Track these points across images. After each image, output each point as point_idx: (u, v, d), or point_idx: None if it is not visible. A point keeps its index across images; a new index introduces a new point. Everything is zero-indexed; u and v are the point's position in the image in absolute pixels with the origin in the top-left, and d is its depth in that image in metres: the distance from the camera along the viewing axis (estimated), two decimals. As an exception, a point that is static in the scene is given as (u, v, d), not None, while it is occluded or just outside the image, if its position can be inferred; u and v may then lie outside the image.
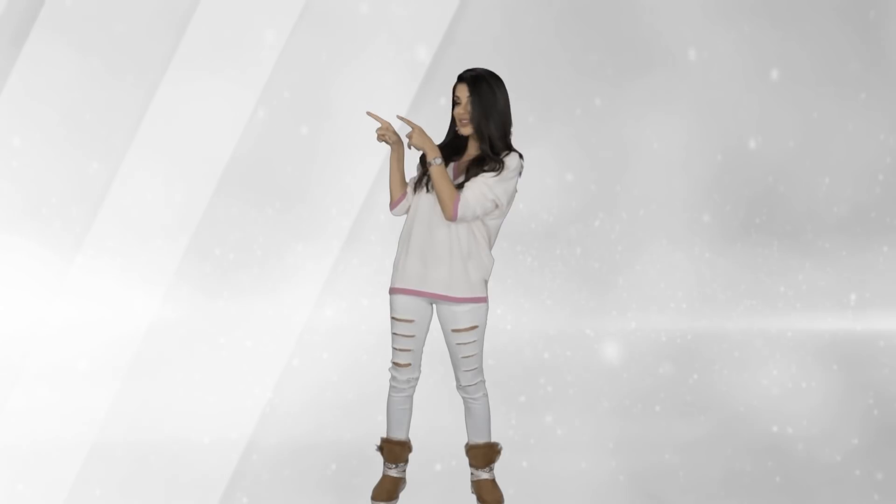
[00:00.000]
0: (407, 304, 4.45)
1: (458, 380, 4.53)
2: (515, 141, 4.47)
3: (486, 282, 4.47)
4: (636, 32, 7.85)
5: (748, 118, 8.05)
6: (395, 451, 4.61)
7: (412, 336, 4.47)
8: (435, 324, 4.54)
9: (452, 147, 4.46)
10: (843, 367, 7.13)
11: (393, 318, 4.48)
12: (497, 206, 4.36)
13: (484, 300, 4.45)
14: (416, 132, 4.34)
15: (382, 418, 4.64)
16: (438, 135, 4.52)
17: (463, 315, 4.41)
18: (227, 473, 5.01)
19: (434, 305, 4.48)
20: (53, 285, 7.28)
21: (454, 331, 4.43)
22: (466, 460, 4.69)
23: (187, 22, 7.41)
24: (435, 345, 4.61)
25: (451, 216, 4.31)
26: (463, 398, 4.58)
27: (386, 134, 4.43)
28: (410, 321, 4.46)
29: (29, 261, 7.32)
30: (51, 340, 6.82)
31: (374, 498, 4.59)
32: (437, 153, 4.34)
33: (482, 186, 4.31)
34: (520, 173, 4.40)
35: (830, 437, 5.74)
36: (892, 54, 8.14)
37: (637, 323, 7.63)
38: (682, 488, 4.94)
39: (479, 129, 4.35)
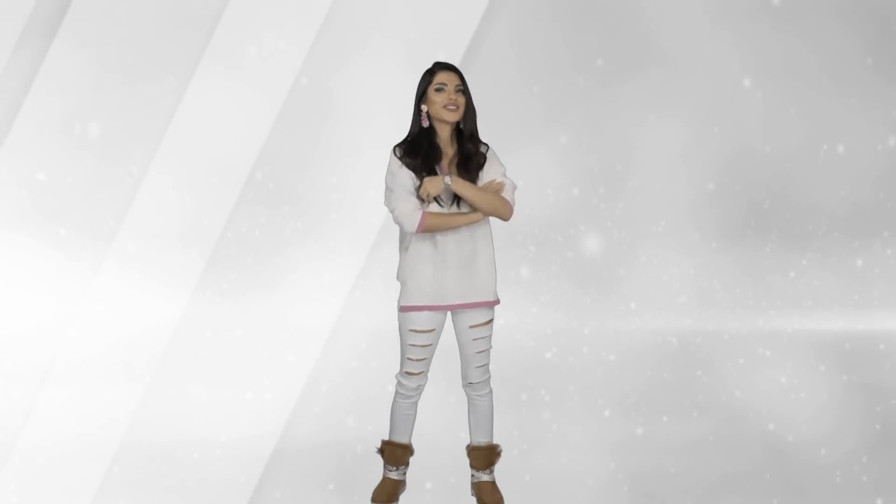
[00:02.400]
0: (431, 317, 4.44)
1: (466, 377, 4.54)
2: (517, 138, 4.49)
3: None
4: (636, 29, 7.85)
5: (749, 115, 8.05)
6: (396, 453, 4.61)
7: (429, 345, 4.47)
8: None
9: (425, 148, 4.37)
10: (848, 368, 7.12)
11: (413, 331, 4.43)
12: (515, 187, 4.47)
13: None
14: (425, 186, 4.29)
15: (382, 420, 4.64)
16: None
17: (482, 312, 4.46)
18: (226, 475, 5.02)
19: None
20: (77, 289, 7.31)
21: (472, 327, 4.46)
22: (464, 463, 4.69)
23: (213, 27, 7.43)
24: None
25: (509, 216, 4.42)
26: (469, 395, 4.58)
27: None
28: (431, 331, 4.45)
29: (42, 262, 7.36)
30: (77, 343, 6.85)
31: (374, 500, 4.59)
32: (443, 177, 4.29)
33: (504, 179, 4.38)
34: None
35: (832, 438, 5.73)
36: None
37: (641, 322, 7.63)
38: (682, 489, 4.93)
39: (467, 122, 4.37)
